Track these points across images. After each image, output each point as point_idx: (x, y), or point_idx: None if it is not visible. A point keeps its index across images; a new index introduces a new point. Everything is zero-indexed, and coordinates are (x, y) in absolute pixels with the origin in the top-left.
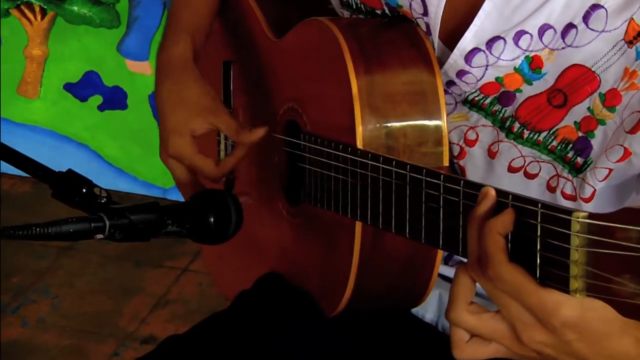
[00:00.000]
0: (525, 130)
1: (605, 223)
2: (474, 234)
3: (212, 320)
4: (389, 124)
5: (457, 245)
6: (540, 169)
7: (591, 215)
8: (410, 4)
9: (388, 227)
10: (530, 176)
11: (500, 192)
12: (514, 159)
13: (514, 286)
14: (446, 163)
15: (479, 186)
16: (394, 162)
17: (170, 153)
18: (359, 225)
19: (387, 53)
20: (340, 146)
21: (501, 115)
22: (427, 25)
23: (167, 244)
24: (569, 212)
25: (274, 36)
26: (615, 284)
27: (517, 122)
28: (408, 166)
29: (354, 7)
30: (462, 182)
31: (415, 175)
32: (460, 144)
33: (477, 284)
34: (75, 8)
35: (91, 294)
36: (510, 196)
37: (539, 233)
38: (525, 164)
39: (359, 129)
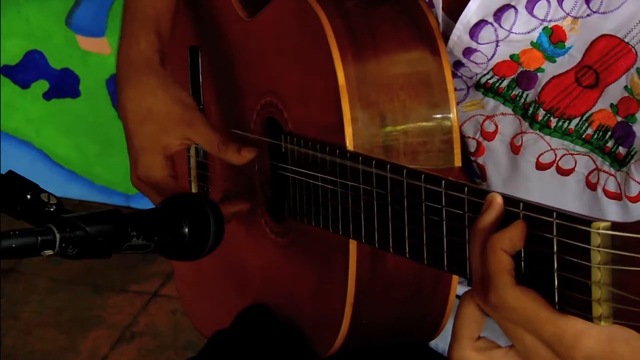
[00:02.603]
0: (552, 118)
1: (632, 235)
2: (476, 250)
3: None
4: (385, 120)
5: (464, 267)
6: (575, 163)
7: (615, 225)
8: None
9: (385, 246)
10: (564, 172)
11: (509, 200)
12: (542, 154)
13: (524, 314)
14: (458, 163)
15: (485, 193)
16: (388, 165)
17: (139, 175)
18: (353, 245)
19: (381, 32)
20: (327, 148)
21: (522, 100)
22: None
23: (133, 264)
24: (588, 222)
25: (246, 15)
26: None
27: (541, 109)
28: (404, 170)
29: None
30: (466, 188)
31: (413, 182)
32: (477, 137)
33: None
34: None
35: (39, 327)
36: (522, 204)
37: (555, 249)
38: (557, 159)
39: (348, 128)
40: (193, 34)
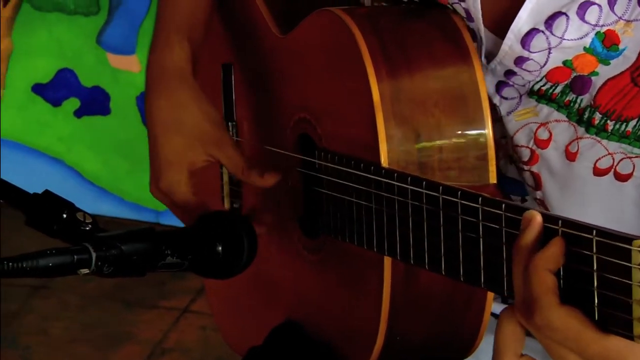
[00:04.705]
0: (609, 121)
1: None
2: (519, 270)
3: None
4: (420, 137)
5: (501, 284)
6: (634, 167)
7: None
8: None
9: (421, 264)
10: (622, 178)
11: (547, 217)
12: (599, 159)
13: (568, 334)
14: (493, 180)
15: (523, 210)
16: (424, 182)
17: (162, 188)
18: (387, 260)
19: (414, 48)
20: (362, 165)
21: (577, 106)
22: (467, 12)
23: (163, 280)
24: (629, 239)
25: (280, 32)
26: None
27: (597, 113)
28: (440, 187)
29: None
30: (503, 205)
31: (449, 198)
32: (530, 146)
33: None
34: None
35: (70, 343)
36: (560, 221)
37: (595, 267)
38: (615, 163)
39: (383, 145)
40: (226, 50)
